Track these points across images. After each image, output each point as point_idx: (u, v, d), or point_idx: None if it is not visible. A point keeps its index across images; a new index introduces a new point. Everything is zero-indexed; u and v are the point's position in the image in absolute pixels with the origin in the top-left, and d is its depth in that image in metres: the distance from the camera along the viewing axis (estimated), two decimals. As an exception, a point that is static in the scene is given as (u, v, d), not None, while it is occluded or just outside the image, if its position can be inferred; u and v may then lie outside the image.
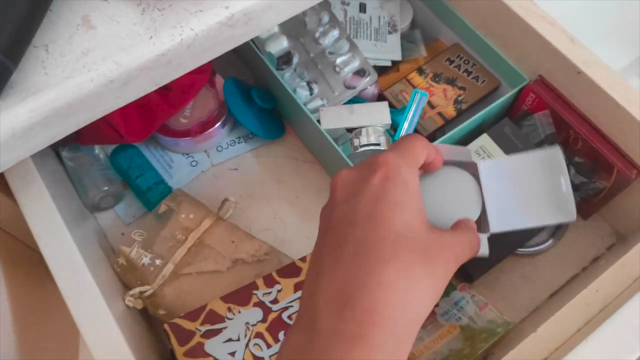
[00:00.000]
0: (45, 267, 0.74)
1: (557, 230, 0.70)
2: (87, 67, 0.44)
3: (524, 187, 0.53)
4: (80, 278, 0.49)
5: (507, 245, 0.65)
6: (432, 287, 0.34)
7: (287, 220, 0.72)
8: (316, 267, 0.36)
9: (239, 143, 0.77)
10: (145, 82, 0.47)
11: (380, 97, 0.75)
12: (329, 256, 0.35)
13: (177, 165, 0.75)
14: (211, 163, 0.76)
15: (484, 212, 0.51)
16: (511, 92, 0.68)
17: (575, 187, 0.66)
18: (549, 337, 0.47)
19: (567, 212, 0.51)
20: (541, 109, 0.67)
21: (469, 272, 0.63)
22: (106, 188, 0.69)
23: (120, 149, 0.72)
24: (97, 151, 0.73)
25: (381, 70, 0.78)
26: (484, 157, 0.67)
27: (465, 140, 0.68)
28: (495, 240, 0.52)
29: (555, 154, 0.52)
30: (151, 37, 0.46)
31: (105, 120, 0.63)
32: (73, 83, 0.44)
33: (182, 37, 0.46)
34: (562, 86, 0.65)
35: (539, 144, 0.69)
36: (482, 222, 0.49)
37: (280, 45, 0.73)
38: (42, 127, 0.44)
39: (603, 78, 0.60)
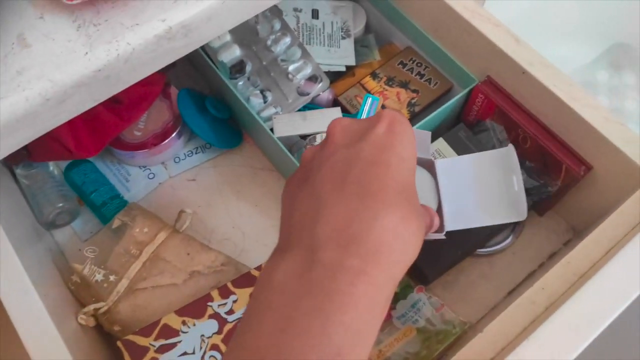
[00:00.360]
0: None
1: (515, 228, 0.71)
2: (21, 87, 0.44)
3: (478, 186, 0.54)
4: (28, 299, 0.48)
5: (463, 247, 0.65)
6: (420, 242, 0.36)
7: (246, 229, 0.72)
8: (309, 198, 0.36)
9: (196, 153, 0.77)
10: (83, 98, 0.47)
11: (335, 103, 0.75)
12: (331, 191, 0.35)
13: (134, 179, 0.75)
14: (169, 175, 0.76)
15: (439, 210, 0.51)
16: (461, 93, 0.68)
17: (527, 192, 0.67)
18: (495, 337, 0.48)
19: (518, 211, 0.52)
20: (490, 109, 0.68)
21: (424, 274, 0.64)
22: (60, 205, 0.68)
23: (74, 165, 0.71)
24: (51, 168, 0.72)
25: (336, 76, 0.78)
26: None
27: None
28: (452, 242, 0.53)
29: (508, 153, 0.53)
30: (86, 53, 0.45)
31: (53, 137, 0.62)
32: (7, 103, 0.43)
33: (118, 52, 0.46)
34: (509, 86, 0.66)
35: (492, 148, 0.70)
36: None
37: (232, 54, 0.73)
38: (-21, 149, 0.44)
39: (547, 77, 0.61)
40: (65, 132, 0.61)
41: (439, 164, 0.52)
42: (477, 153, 0.54)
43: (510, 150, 0.52)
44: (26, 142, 0.47)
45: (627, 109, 0.97)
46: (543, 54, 0.63)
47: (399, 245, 0.34)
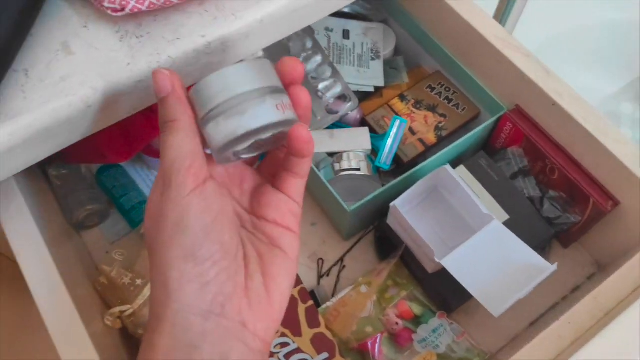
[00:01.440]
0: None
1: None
2: (64, 92, 0.45)
3: (490, 266, 0.56)
4: (58, 297, 0.50)
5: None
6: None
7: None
8: None
9: (223, 164, 0.79)
10: (123, 107, 0.48)
11: (362, 122, 0.76)
12: None
13: (162, 185, 0.76)
14: (196, 183, 0.77)
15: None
16: (490, 121, 0.69)
17: (550, 221, 0.67)
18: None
19: (541, 267, 0.54)
20: (518, 138, 0.68)
21: (447, 302, 0.64)
22: (91, 207, 0.70)
23: (105, 169, 0.73)
24: (83, 170, 0.74)
25: (364, 96, 0.79)
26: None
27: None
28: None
29: (496, 227, 0.56)
30: (129, 63, 0.47)
31: (90, 141, 0.64)
32: (51, 108, 0.45)
33: (159, 64, 0.47)
34: (538, 116, 0.66)
35: (514, 175, 0.70)
36: None
37: (265, 69, 0.75)
38: (22, 150, 0.45)
39: (577, 110, 0.62)
40: (101, 137, 0.63)
41: (448, 263, 0.55)
42: (470, 239, 0.57)
43: (495, 223, 0.55)
44: (64, 147, 0.49)
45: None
46: (568, 82, 0.64)
47: None
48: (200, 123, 0.38)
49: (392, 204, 0.61)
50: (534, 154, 0.68)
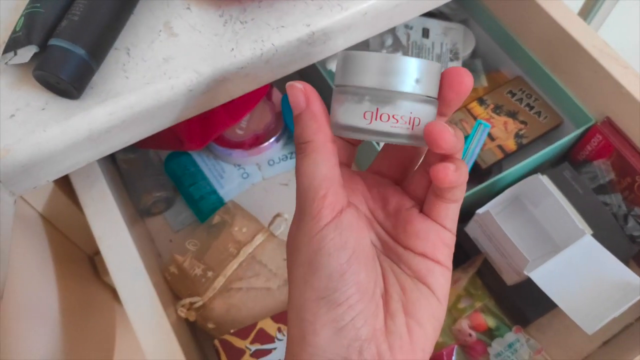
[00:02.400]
0: (88, 265, 0.74)
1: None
2: (167, 74, 0.44)
3: (583, 283, 0.54)
4: (140, 283, 0.49)
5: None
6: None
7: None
8: None
9: (290, 159, 0.77)
10: (221, 93, 0.47)
11: (438, 125, 0.74)
12: None
13: (228, 176, 0.75)
14: (262, 177, 0.76)
15: None
16: (577, 132, 0.66)
17: (633, 239, 0.65)
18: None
19: (637, 287, 0.52)
20: (607, 151, 0.65)
21: (524, 314, 0.61)
22: (159, 193, 0.69)
23: (175, 156, 0.72)
24: (151, 155, 0.73)
25: (440, 98, 0.77)
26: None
27: (521, 179, 0.67)
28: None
29: (589, 242, 0.53)
30: (232, 49, 0.45)
31: (169, 127, 0.63)
32: (153, 89, 0.44)
33: (262, 51, 0.46)
34: (630, 130, 0.63)
35: (598, 189, 0.67)
36: None
37: (341, 64, 0.73)
38: (119, 131, 0.44)
39: (676, 125, 0.59)
40: (180, 123, 0.62)
41: (536, 276, 0.53)
42: (560, 253, 0.54)
43: (589, 240, 0.53)
44: (159, 130, 0.48)
45: None
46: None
47: None
48: (337, 87, 0.35)
49: (480, 210, 0.59)
50: (622, 169, 0.65)
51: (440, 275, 0.34)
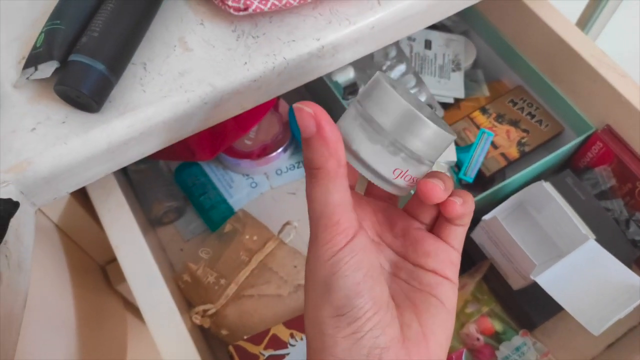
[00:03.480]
0: (100, 275, 0.76)
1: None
2: (183, 88, 0.46)
3: (587, 284, 0.56)
4: (157, 291, 0.50)
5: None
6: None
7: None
8: None
9: (297, 168, 0.79)
10: (234, 105, 0.48)
11: (442, 134, 0.76)
12: None
13: (237, 186, 0.76)
14: (270, 186, 0.77)
15: None
16: (578, 139, 0.68)
17: (635, 244, 0.66)
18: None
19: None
20: (607, 158, 0.67)
21: (531, 318, 0.63)
22: (169, 203, 0.70)
23: (185, 166, 0.74)
24: (161, 165, 0.75)
25: (443, 107, 0.79)
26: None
27: (524, 186, 0.68)
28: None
29: (592, 247, 0.54)
30: (245, 62, 0.47)
31: (180, 138, 0.64)
32: (170, 102, 0.45)
33: (274, 65, 0.47)
34: (630, 137, 0.65)
35: (600, 195, 0.69)
36: None
37: (347, 75, 0.75)
38: (136, 143, 0.45)
39: (675, 132, 0.60)
40: (193, 135, 0.63)
41: (542, 280, 0.54)
42: (565, 258, 0.56)
43: (592, 244, 0.54)
44: (173, 142, 0.49)
45: None
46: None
47: None
48: (359, 112, 0.36)
49: (487, 217, 0.60)
50: (623, 175, 0.66)
51: (449, 289, 0.36)
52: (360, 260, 0.33)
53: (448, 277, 0.36)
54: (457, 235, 0.37)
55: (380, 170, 0.34)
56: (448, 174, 0.67)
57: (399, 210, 0.40)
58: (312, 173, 0.34)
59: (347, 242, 0.33)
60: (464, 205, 0.35)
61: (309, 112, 0.33)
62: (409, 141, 0.34)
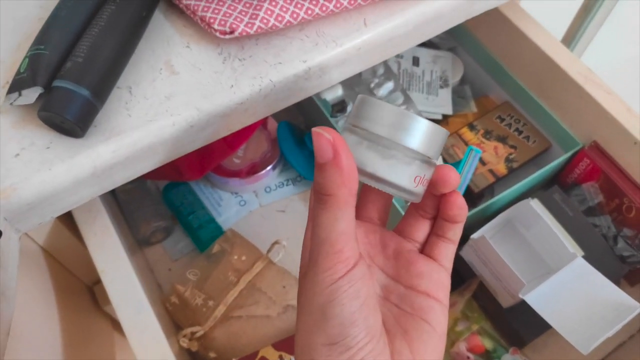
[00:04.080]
0: (87, 295, 0.75)
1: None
2: (169, 111, 0.45)
3: (576, 303, 0.56)
4: (143, 316, 0.49)
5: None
6: None
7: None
8: None
9: (286, 185, 0.78)
10: (221, 127, 0.48)
11: (430, 150, 0.76)
12: None
13: (226, 204, 0.76)
14: (259, 204, 0.77)
15: None
16: (566, 156, 0.68)
17: (623, 259, 0.66)
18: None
19: (632, 306, 0.53)
20: (594, 175, 0.67)
21: (520, 336, 0.63)
22: (157, 223, 0.70)
23: (173, 185, 0.73)
24: (148, 185, 0.74)
25: (431, 123, 0.79)
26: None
27: (513, 202, 0.68)
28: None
29: (580, 265, 0.55)
30: (232, 85, 0.47)
31: (166, 158, 0.64)
32: (156, 126, 0.45)
33: (260, 87, 0.47)
34: (617, 154, 0.65)
35: (587, 211, 0.69)
36: None
37: (335, 93, 0.75)
38: (122, 167, 0.45)
39: (661, 149, 0.61)
40: (181, 156, 0.63)
41: (531, 299, 0.54)
42: (554, 276, 0.56)
43: (581, 262, 0.54)
44: (160, 165, 0.49)
45: None
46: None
47: None
48: (349, 123, 0.36)
49: (475, 235, 0.60)
50: (610, 191, 0.66)
51: (440, 313, 0.35)
52: (359, 289, 0.33)
53: (439, 299, 0.36)
54: (447, 253, 0.37)
55: (402, 184, 0.34)
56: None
57: (389, 232, 0.40)
58: (323, 199, 0.33)
59: (348, 271, 0.32)
60: (463, 200, 0.35)
61: (328, 139, 0.33)
62: (414, 144, 0.34)
